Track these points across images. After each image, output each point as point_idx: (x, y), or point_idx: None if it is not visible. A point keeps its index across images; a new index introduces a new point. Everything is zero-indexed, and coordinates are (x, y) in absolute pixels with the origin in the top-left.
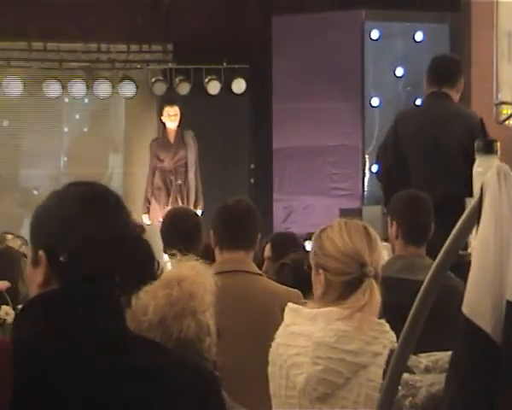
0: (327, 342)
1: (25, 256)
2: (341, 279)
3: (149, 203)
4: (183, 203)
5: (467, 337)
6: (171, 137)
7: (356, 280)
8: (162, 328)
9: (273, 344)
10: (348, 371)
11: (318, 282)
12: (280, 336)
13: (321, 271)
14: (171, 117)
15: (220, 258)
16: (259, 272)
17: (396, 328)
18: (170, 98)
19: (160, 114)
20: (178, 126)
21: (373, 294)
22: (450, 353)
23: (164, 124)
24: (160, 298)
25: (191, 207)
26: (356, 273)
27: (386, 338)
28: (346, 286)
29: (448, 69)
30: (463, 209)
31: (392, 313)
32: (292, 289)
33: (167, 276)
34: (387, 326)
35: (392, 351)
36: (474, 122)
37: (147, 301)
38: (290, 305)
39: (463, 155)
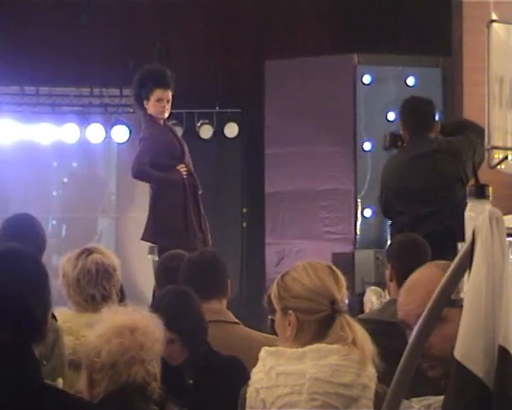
0: (323, 377)
1: None
2: (314, 318)
3: None
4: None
5: (459, 382)
6: None
7: (327, 317)
8: (113, 371)
9: (250, 390)
10: (342, 404)
11: (287, 324)
12: (261, 380)
13: (291, 312)
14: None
15: None
16: (236, 320)
17: (391, 372)
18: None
19: None
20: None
21: (351, 327)
22: (442, 397)
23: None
24: (113, 344)
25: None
26: (327, 310)
27: (370, 371)
28: (318, 324)
29: (426, 119)
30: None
31: (388, 357)
32: (270, 335)
33: (121, 323)
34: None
35: (377, 385)
36: (457, 146)
37: (101, 345)
38: (267, 348)
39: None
